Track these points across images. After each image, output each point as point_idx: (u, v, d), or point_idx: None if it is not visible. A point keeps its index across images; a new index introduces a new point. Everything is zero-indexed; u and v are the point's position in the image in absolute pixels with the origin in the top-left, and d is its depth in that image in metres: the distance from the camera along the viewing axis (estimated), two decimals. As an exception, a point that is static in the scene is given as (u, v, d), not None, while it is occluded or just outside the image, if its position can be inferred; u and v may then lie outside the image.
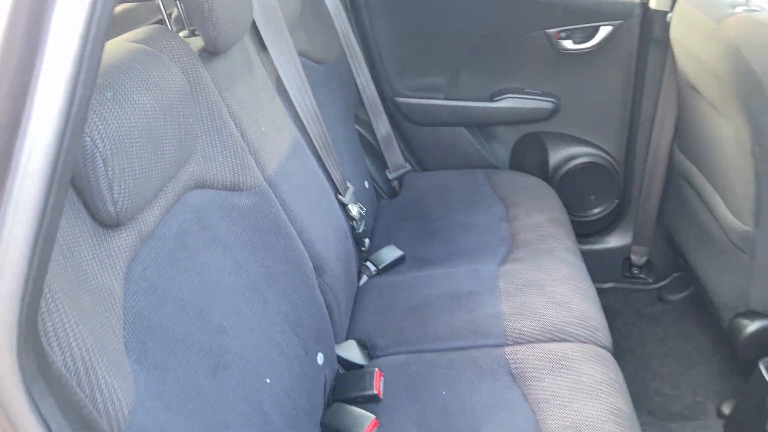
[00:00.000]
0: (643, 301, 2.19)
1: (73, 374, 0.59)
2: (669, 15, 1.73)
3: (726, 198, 1.55)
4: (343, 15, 1.92)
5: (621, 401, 1.18)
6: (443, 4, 1.97)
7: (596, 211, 2.20)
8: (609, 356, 1.30)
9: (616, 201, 2.17)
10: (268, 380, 1.04)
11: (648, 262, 2.21)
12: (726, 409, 1.68)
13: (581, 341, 1.32)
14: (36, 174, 0.46)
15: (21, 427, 0.48)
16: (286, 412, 1.07)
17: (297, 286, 1.22)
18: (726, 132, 1.47)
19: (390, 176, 2.13)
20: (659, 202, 2.05)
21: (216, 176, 1.08)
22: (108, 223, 0.78)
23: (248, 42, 1.40)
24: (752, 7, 1.37)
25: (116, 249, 0.80)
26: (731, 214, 1.52)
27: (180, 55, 1.04)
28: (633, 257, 2.21)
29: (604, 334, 1.36)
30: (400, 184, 2.13)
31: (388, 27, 2.04)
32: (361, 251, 1.75)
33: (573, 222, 1.88)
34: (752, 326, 1.51)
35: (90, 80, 0.48)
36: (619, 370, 1.28)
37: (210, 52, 1.18)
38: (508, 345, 1.34)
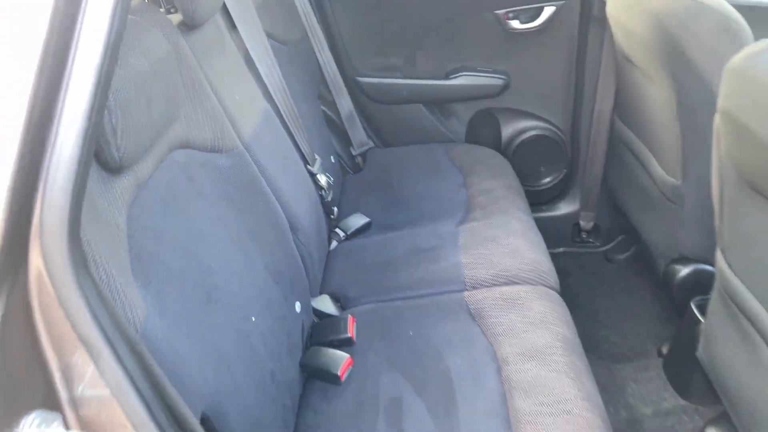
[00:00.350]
0: (592, 262, 2.37)
1: (96, 277, 0.70)
2: (605, -7, 1.89)
3: (658, 156, 1.73)
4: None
5: (567, 330, 1.34)
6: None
7: (546, 180, 2.36)
8: (556, 295, 1.46)
9: (564, 170, 2.34)
10: (253, 318, 1.15)
11: (595, 226, 2.38)
12: (664, 349, 1.86)
13: (531, 283, 1.47)
14: (77, 123, 0.57)
15: (66, 299, 0.59)
16: (270, 347, 1.18)
17: (274, 241, 1.34)
18: (656, 97, 1.64)
19: (354, 152, 2.26)
20: (603, 169, 2.22)
21: (198, 138, 1.19)
22: (112, 167, 0.88)
23: (220, 20, 1.50)
24: (673, -17, 1.54)
25: (119, 191, 0.90)
26: (662, 170, 1.70)
27: (164, 26, 1.14)
28: (581, 222, 2.39)
29: (551, 277, 1.51)
30: (364, 160, 2.26)
31: (348, 9, 2.16)
32: (330, 219, 1.87)
33: (525, 191, 2.03)
34: (684, 270, 1.69)
35: (116, 54, 0.60)
36: (565, 306, 1.43)
37: (187, 27, 1.28)
38: (467, 290, 1.48)
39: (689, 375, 1.70)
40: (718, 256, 1.36)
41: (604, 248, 2.39)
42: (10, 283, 0.58)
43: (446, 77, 2.23)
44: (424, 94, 2.26)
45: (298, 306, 1.38)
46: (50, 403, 0.65)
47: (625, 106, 1.98)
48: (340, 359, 1.33)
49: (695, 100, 1.45)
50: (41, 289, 0.60)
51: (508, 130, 2.31)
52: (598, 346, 1.93)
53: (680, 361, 1.74)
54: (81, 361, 0.65)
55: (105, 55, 0.58)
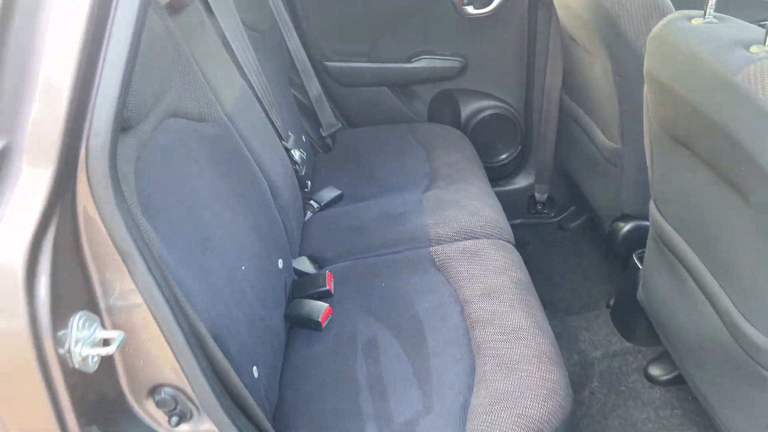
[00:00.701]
0: (547, 231, 2.56)
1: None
2: (550, -20, 2.08)
3: (600, 125, 1.92)
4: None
5: (520, 274, 1.51)
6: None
7: (503, 156, 2.54)
8: (511, 246, 1.63)
9: (519, 146, 2.52)
10: (243, 267, 1.29)
11: (549, 198, 2.57)
12: (611, 302, 2.06)
13: (489, 237, 1.64)
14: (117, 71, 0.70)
15: (107, 217, 0.72)
16: (258, 294, 1.32)
17: (257, 203, 1.47)
18: (597, 70, 1.83)
19: (324, 134, 2.39)
20: (554, 144, 2.41)
21: (187, 108, 1.32)
22: (122, 125, 1.01)
23: (199, 6, 1.63)
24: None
25: (127, 147, 1.03)
26: (604, 137, 1.89)
27: (155, 7, 1.26)
28: (536, 195, 2.57)
29: (507, 232, 1.69)
30: (333, 141, 2.40)
31: (314, -3, 2.30)
32: (304, 192, 2.00)
33: (487, 167, 2.19)
34: (626, 227, 1.89)
35: (144, 16, 0.73)
36: (519, 255, 1.61)
37: (173, 9, 1.40)
38: (432, 246, 1.64)
39: (633, 320, 1.89)
40: (651, 206, 1.55)
41: (557, 218, 2.58)
42: (62, 203, 0.71)
43: (408, 61, 2.39)
44: (387, 77, 2.41)
45: (280, 263, 1.51)
46: (92, 307, 0.78)
47: (571, 83, 2.17)
48: (320, 308, 1.48)
49: (629, 71, 1.64)
50: (86, 207, 0.73)
51: (466, 109, 2.48)
52: (554, 303, 2.12)
53: (625, 308, 1.94)
54: (117, 272, 0.78)
55: (139, 13, 0.71)
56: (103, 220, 0.73)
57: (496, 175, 2.53)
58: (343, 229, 1.80)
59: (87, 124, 0.70)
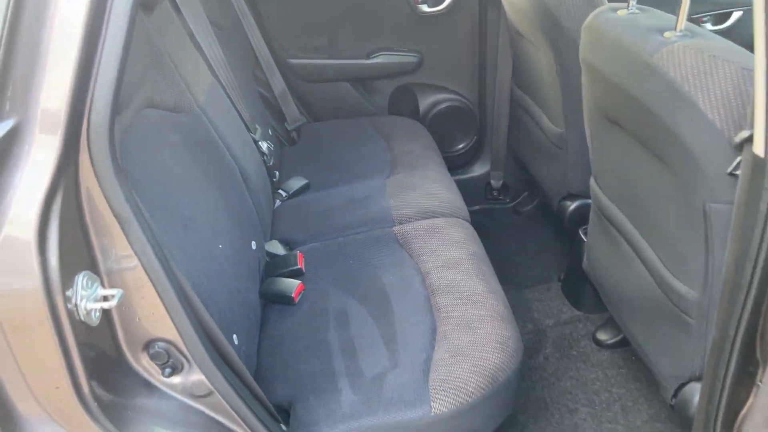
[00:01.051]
0: (503, 215, 2.71)
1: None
2: (497, -22, 2.23)
3: (546, 112, 2.08)
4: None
5: (476, 247, 1.65)
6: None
7: (460, 146, 2.68)
8: (467, 223, 1.77)
9: (475, 136, 2.66)
10: (220, 246, 1.39)
11: (504, 184, 2.73)
12: (562, 276, 2.22)
13: (447, 216, 1.78)
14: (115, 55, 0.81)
15: (106, 184, 0.82)
16: (235, 270, 1.42)
17: (230, 187, 1.58)
18: (541, 61, 1.98)
19: (289, 128, 2.49)
20: (507, 133, 2.57)
21: (162, 99, 1.41)
22: None
23: (168, 4, 1.72)
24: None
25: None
26: (550, 123, 2.04)
27: (129, 4, 1.36)
28: (492, 182, 2.72)
29: (463, 211, 1.82)
30: (299, 134, 2.50)
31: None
32: (272, 182, 2.11)
33: (445, 157, 2.32)
34: (572, 205, 2.04)
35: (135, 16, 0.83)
36: (475, 232, 1.74)
37: (145, 7, 1.50)
38: (395, 225, 1.76)
39: (581, 290, 2.05)
40: (592, 182, 1.70)
41: (512, 203, 2.73)
42: (67, 175, 0.81)
43: (367, 57, 2.51)
44: (348, 73, 2.53)
45: (253, 244, 1.62)
46: (93, 269, 0.88)
47: (520, 74, 2.32)
48: (293, 285, 1.59)
49: (569, 60, 1.79)
50: (87, 179, 0.83)
51: (424, 102, 2.61)
52: (509, 279, 2.26)
53: (573, 280, 2.10)
54: (114, 238, 0.88)
55: (134, 2, 0.81)
56: (103, 189, 0.84)
57: (454, 164, 2.66)
58: (311, 214, 1.91)
59: (88, 104, 0.80)
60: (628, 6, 1.36)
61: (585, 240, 1.88)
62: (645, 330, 1.50)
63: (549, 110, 2.06)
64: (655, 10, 1.35)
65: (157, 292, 0.92)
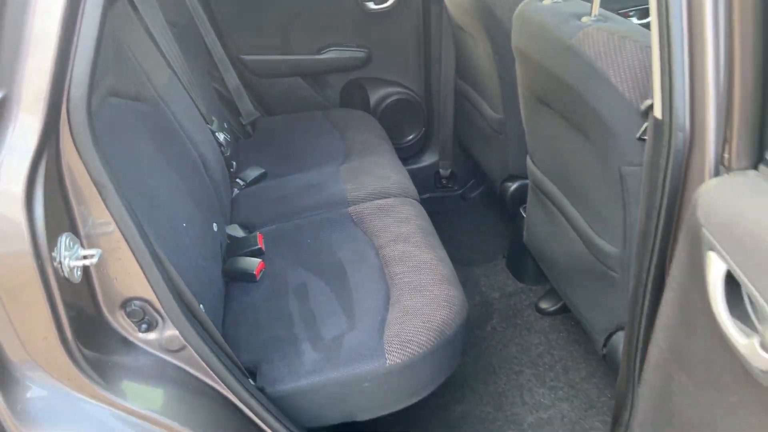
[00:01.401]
0: (452, 202, 2.85)
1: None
2: (438, -24, 2.37)
3: (487, 100, 2.23)
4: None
5: (425, 223, 1.78)
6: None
7: (410, 137, 2.81)
8: (416, 203, 1.90)
9: (423, 128, 2.80)
10: (184, 224, 1.48)
11: (452, 173, 2.87)
12: (506, 252, 2.37)
13: (397, 196, 1.90)
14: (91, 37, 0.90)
15: (85, 152, 0.91)
16: (199, 249, 1.51)
17: (191, 171, 1.66)
18: (480, 52, 2.13)
19: (244, 122, 2.58)
20: (453, 123, 2.71)
21: (124, 89, 1.49)
22: None
23: (126, 3, 1.79)
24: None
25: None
26: (491, 110, 2.19)
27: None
28: (441, 171, 2.86)
29: (412, 191, 1.95)
30: (254, 128, 2.59)
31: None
32: (230, 172, 2.19)
33: (398, 148, 2.44)
34: (513, 186, 2.20)
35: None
36: (423, 209, 1.87)
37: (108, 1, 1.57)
38: (350, 206, 1.88)
39: (523, 264, 2.21)
40: (528, 160, 1.86)
41: (460, 191, 2.88)
42: (50, 144, 0.90)
43: (318, 52, 2.62)
44: (300, 68, 2.64)
45: (215, 226, 1.70)
46: (74, 231, 0.97)
47: (462, 67, 2.47)
48: (254, 263, 1.68)
49: (505, 50, 1.94)
50: (68, 148, 0.92)
51: (374, 96, 2.73)
52: (459, 259, 2.39)
53: (516, 255, 2.25)
54: (92, 205, 0.97)
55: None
56: (82, 157, 0.92)
57: (404, 155, 2.79)
58: (269, 199, 2.00)
59: (68, 78, 0.89)
60: (552, -3, 1.52)
61: (525, 216, 2.04)
62: (579, 290, 1.65)
63: (489, 98, 2.21)
64: (578, 0, 1.51)
65: (133, 253, 1.01)
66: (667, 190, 1.03)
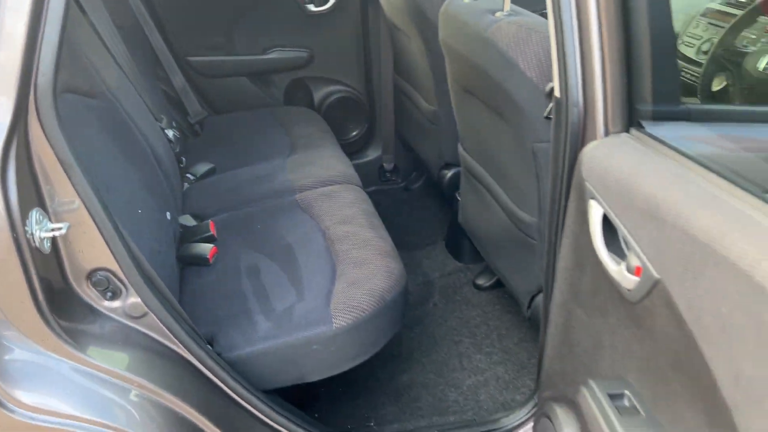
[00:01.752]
0: (396, 194, 3.01)
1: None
2: (374, -20, 2.53)
3: (421, 93, 2.40)
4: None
5: (367, 206, 1.93)
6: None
7: (354, 133, 2.96)
8: (359, 188, 2.04)
9: (366, 124, 2.95)
10: (139, 211, 1.58)
11: (395, 166, 3.03)
12: (445, 236, 2.54)
13: (341, 183, 2.04)
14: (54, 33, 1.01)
15: (51, 135, 1.02)
16: (154, 234, 1.61)
17: (144, 163, 1.76)
18: (414, 49, 2.30)
19: (192, 121, 2.68)
20: (394, 119, 2.88)
21: (78, 85, 1.58)
22: None
23: (73, 4, 1.88)
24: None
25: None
26: (425, 103, 2.36)
27: None
28: (384, 165, 3.02)
29: (355, 178, 2.10)
30: (201, 127, 2.69)
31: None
32: (180, 167, 2.29)
33: (343, 144, 2.58)
34: (449, 173, 2.37)
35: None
36: (366, 195, 2.02)
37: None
38: (297, 194, 2.01)
39: (461, 245, 2.38)
40: (460, 147, 2.03)
41: (403, 183, 3.04)
42: (20, 127, 1.00)
43: (262, 53, 2.74)
44: (245, 68, 2.75)
45: (168, 215, 1.80)
46: (43, 208, 1.07)
47: (399, 64, 2.64)
48: (207, 247, 1.79)
49: (436, 45, 2.11)
50: (35, 131, 1.02)
51: (318, 94, 2.87)
52: (402, 244, 2.54)
53: (454, 236, 2.42)
54: (58, 183, 1.08)
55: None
56: (49, 139, 1.03)
57: (349, 150, 2.91)
58: (219, 191, 2.12)
59: (35, 68, 0.99)
60: (472, -5, 1.70)
61: (459, 199, 2.21)
62: (505, 259, 1.83)
63: (424, 92, 2.38)
64: (493, -2, 1.69)
65: (97, 227, 1.11)
66: (567, 159, 1.20)
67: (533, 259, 1.63)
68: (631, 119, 1.01)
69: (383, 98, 2.84)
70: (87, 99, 1.60)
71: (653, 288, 0.80)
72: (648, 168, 0.85)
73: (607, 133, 1.05)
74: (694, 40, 2.25)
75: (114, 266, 1.15)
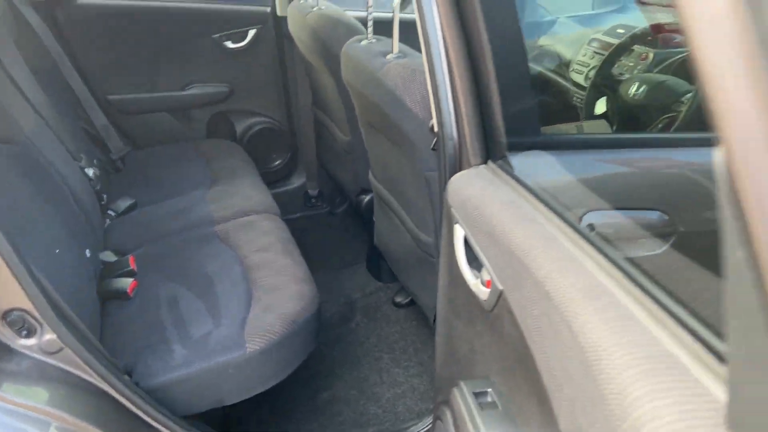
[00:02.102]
0: (321, 218, 3.12)
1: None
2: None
3: (337, 125, 2.53)
4: (49, 32, 2.48)
5: (284, 235, 2.04)
6: (132, 20, 2.66)
7: (277, 162, 3.06)
8: (277, 217, 2.15)
9: (289, 153, 3.06)
10: (57, 251, 1.64)
11: (320, 192, 3.15)
12: (366, 257, 2.68)
13: (260, 213, 2.15)
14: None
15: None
16: (72, 272, 1.68)
17: (63, 204, 1.82)
18: (326, 83, 2.44)
19: (114, 157, 2.73)
20: (316, 147, 3.00)
21: (-9, 132, 1.65)
22: None
23: (-15, 51, 1.93)
24: (321, 6, 2.34)
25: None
26: (341, 133, 2.50)
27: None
28: (309, 191, 3.14)
29: (273, 208, 2.21)
30: (124, 162, 2.74)
31: (91, 39, 2.64)
32: (101, 204, 2.34)
33: (263, 173, 2.68)
34: (366, 198, 2.50)
35: None
36: (283, 223, 2.13)
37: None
38: (216, 225, 2.10)
39: (379, 265, 2.52)
40: (370, 174, 2.17)
41: (328, 208, 3.16)
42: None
43: (183, 89, 2.83)
44: (166, 104, 2.83)
45: (88, 252, 1.87)
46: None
47: (316, 96, 2.77)
48: (127, 282, 1.86)
49: (343, 82, 2.25)
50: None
51: (240, 126, 2.97)
52: (326, 266, 2.68)
53: (373, 257, 2.56)
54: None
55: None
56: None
57: (273, 179, 3.05)
58: (139, 225, 2.18)
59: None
60: (368, 37, 1.84)
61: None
62: (413, 277, 1.97)
63: (339, 123, 2.52)
64: (387, 38, 1.84)
65: (9, 268, 1.19)
66: (442, 182, 1.35)
67: (434, 276, 1.77)
68: (491, 151, 1.17)
69: (304, 129, 2.97)
70: (4, 146, 1.66)
71: (499, 298, 0.95)
72: (490, 196, 1.00)
73: (471, 165, 1.21)
74: (583, 68, 2.48)
75: (28, 305, 1.22)
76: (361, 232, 2.92)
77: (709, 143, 0.44)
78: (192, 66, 2.81)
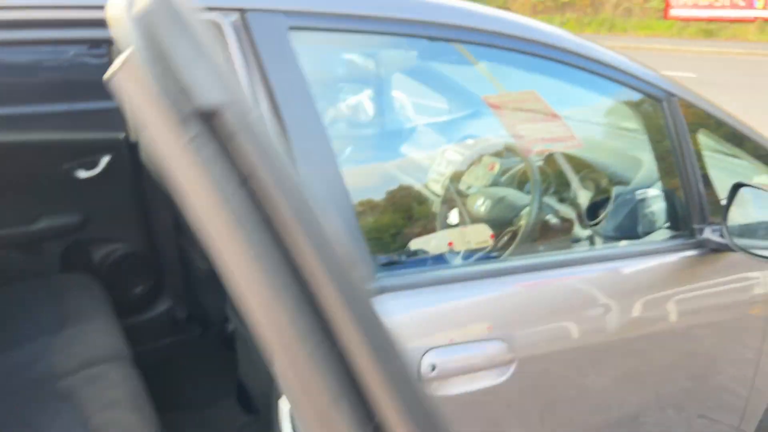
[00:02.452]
0: (191, 343, 2.96)
1: None
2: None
3: (195, 250, 2.46)
4: None
5: (135, 383, 1.90)
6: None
7: (140, 288, 2.91)
8: (128, 365, 2.01)
9: (154, 278, 2.93)
10: None
11: (190, 315, 3.01)
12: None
13: (109, 361, 2.00)
14: None
15: None
16: None
17: None
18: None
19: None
20: (182, 270, 2.89)
21: None
22: None
23: None
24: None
25: None
26: (199, 258, 2.42)
27: None
28: (178, 315, 2.99)
29: (124, 353, 2.07)
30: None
31: None
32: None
33: (125, 300, 2.53)
34: (231, 327, 2.41)
35: None
36: (134, 370, 1.99)
37: None
38: (60, 380, 1.92)
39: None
40: (227, 306, 2.09)
41: (199, 331, 3.02)
42: None
43: (32, 222, 2.65)
44: (12, 241, 2.63)
45: None
46: None
47: (178, 220, 2.69)
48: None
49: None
50: None
51: (97, 255, 2.81)
52: (191, 405, 2.51)
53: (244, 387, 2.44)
54: None
55: None
56: None
57: (138, 305, 2.88)
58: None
59: None
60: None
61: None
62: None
63: (198, 249, 2.45)
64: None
65: None
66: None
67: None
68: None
69: (168, 253, 2.86)
70: None
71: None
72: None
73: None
74: (440, 177, 2.58)
75: None
76: (234, 359, 2.79)
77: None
78: (40, 198, 2.65)
